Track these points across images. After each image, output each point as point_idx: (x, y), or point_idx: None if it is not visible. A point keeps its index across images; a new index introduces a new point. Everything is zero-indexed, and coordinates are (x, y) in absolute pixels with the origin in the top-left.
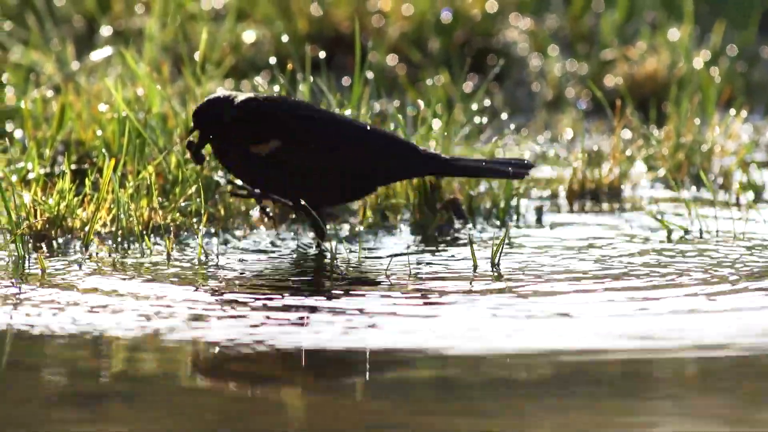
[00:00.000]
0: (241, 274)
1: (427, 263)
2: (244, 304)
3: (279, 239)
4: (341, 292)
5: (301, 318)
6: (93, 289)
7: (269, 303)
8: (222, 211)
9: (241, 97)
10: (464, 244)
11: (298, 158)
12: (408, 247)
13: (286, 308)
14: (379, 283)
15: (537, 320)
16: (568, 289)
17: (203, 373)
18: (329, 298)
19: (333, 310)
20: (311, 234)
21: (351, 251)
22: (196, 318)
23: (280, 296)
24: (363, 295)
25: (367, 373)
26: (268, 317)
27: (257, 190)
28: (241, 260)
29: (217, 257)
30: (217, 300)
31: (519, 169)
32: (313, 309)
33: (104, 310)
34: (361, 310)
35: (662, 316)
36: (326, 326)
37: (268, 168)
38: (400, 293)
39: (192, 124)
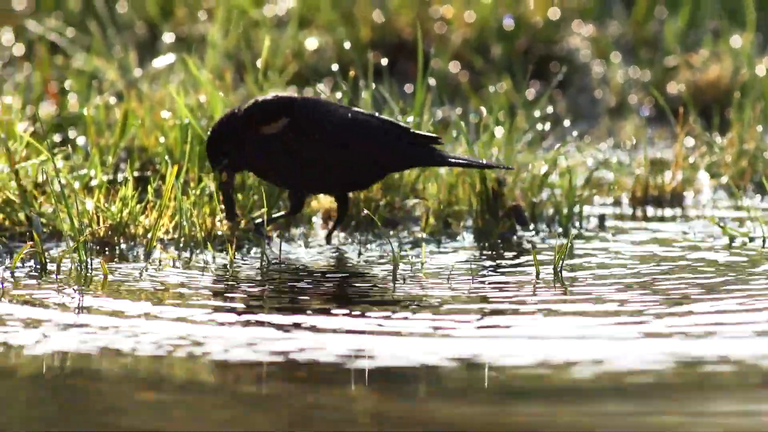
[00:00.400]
0: (302, 283)
1: (490, 271)
2: (306, 317)
3: (341, 246)
4: (404, 309)
5: (362, 335)
6: (153, 297)
7: (330, 318)
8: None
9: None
10: (527, 252)
11: (305, 135)
12: (470, 254)
13: (346, 325)
14: (442, 295)
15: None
16: (635, 299)
17: (262, 385)
18: (391, 313)
19: (395, 328)
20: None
21: (414, 260)
22: (254, 331)
23: (339, 311)
24: (426, 310)
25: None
26: (327, 333)
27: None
28: (302, 268)
29: (279, 266)
30: (276, 314)
31: (497, 167)
32: (377, 326)
33: (165, 319)
34: (425, 328)
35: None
36: (390, 347)
37: (278, 149)
38: (463, 310)
39: (213, 161)
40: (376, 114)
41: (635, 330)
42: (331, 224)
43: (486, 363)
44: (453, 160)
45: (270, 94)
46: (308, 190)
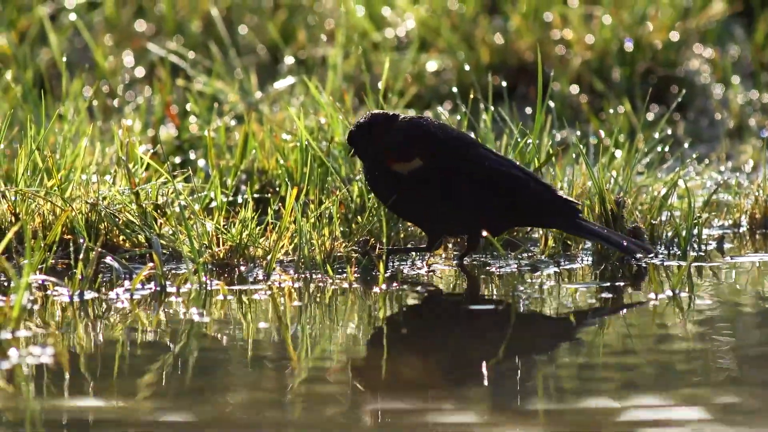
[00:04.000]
0: (414, 311)
1: (610, 294)
2: (414, 352)
3: (460, 268)
4: (521, 343)
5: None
6: (272, 319)
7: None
8: (402, 240)
9: (401, 117)
10: (646, 274)
11: (439, 182)
12: (590, 277)
13: (457, 365)
14: (563, 323)
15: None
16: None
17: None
18: (506, 353)
19: (507, 366)
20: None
21: (532, 281)
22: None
23: (452, 343)
24: (547, 340)
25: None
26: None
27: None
28: (417, 293)
29: (399, 287)
30: (380, 346)
31: (636, 247)
32: (489, 373)
33: (282, 338)
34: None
35: None
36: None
37: (407, 189)
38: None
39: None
40: (516, 162)
41: None
42: (449, 247)
43: None
44: (590, 232)
45: (403, 116)
46: (444, 232)
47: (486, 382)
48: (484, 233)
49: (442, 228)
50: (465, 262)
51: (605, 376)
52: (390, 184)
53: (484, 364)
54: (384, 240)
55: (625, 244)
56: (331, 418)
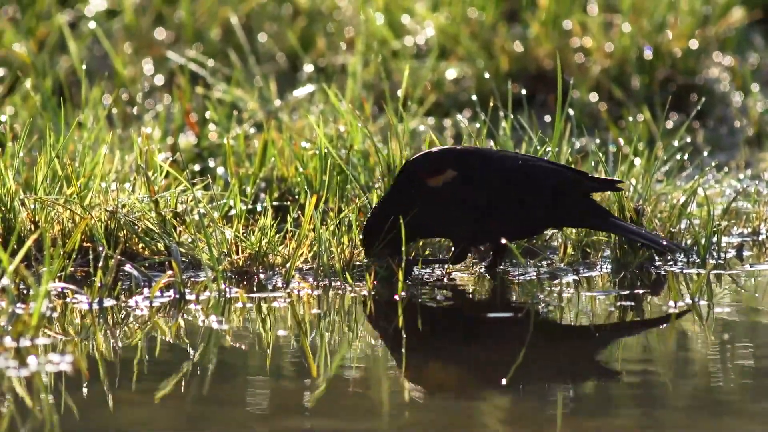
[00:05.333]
0: (432, 318)
1: (629, 302)
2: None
3: (480, 279)
4: (537, 358)
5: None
6: (291, 327)
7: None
8: (422, 248)
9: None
10: (665, 282)
11: (473, 188)
12: (609, 285)
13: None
14: (581, 332)
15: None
16: None
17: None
18: (522, 370)
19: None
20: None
21: (551, 289)
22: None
23: (468, 357)
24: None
25: None
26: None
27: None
28: (436, 301)
29: (418, 294)
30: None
31: (674, 245)
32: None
33: (296, 349)
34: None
35: None
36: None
37: (443, 201)
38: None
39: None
40: (549, 159)
41: None
42: (469, 255)
43: None
44: (625, 230)
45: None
46: (473, 242)
47: (503, 395)
48: (504, 242)
49: (474, 235)
50: (485, 270)
51: (624, 389)
52: (427, 201)
53: (501, 375)
54: (403, 249)
55: (664, 242)
56: (350, 429)
